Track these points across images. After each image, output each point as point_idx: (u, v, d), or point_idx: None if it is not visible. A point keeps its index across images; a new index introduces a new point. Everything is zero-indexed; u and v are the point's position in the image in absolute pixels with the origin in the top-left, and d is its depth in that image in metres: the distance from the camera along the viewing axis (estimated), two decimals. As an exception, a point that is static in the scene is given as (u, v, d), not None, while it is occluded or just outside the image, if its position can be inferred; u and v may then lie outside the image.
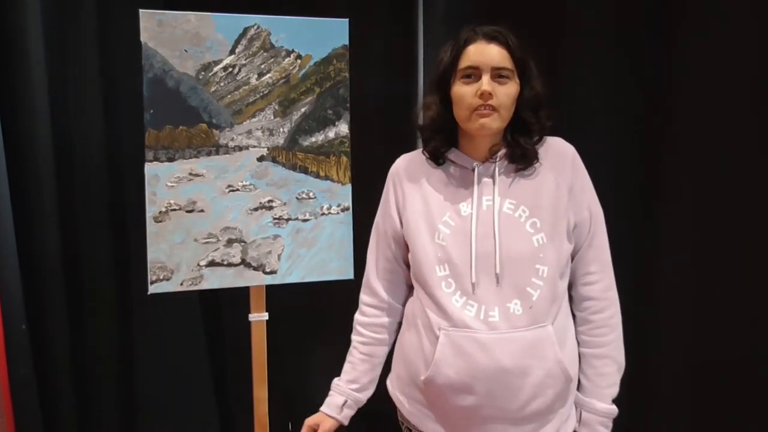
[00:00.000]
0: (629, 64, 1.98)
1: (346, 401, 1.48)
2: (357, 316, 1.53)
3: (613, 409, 1.35)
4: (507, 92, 1.27)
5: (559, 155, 1.35)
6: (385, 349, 1.51)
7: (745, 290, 1.88)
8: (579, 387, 1.38)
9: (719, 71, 1.85)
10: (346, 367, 1.51)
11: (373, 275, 1.49)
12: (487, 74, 1.26)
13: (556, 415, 1.32)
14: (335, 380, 1.52)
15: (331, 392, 1.51)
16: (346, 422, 1.50)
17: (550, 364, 1.27)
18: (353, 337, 1.52)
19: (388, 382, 1.51)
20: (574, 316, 1.39)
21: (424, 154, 1.40)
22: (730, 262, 1.89)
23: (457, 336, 1.28)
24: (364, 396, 1.51)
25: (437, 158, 1.38)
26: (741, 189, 1.86)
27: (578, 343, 1.38)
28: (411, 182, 1.41)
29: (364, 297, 1.52)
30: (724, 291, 1.91)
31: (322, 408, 1.50)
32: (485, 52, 1.26)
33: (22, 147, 2.06)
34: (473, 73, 1.27)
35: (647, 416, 2.07)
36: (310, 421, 1.48)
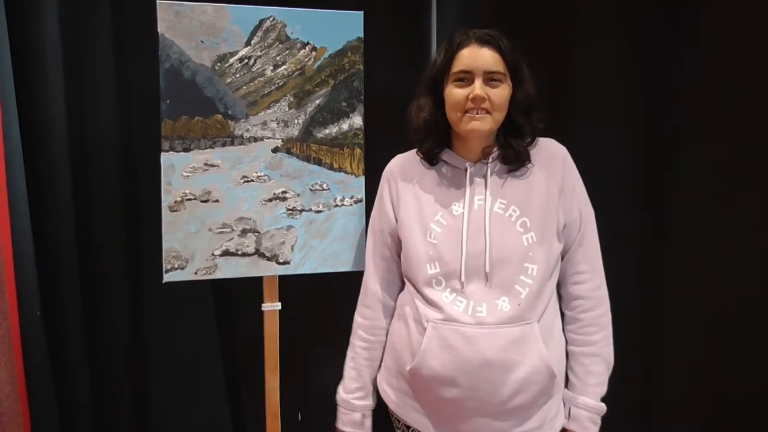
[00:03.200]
0: (638, 62, 1.99)
1: (362, 414, 1.52)
2: (357, 319, 1.54)
3: (602, 406, 1.37)
4: (500, 95, 1.29)
5: (550, 156, 1.37)
6: (383, 350, 1.53)
7: (756, 291, 1.88)
8: (567, 384, 1.40)
9: (726, 72, 1.86)
10: (351, 373, 1.53)
11: (371, 276, 1.52)
12: (479, 78, 1.28)
13: (540, 410, 1.35)
14: (341, 394, 1.53)
15: (342, 409, 1.53)
16: (370, 431, 1.53)
17: (534, 360, 1.29)
18: (355, 341, 1.53)
19: (378, 374, 1.53)
20: (563, 314, 1.41)
21: (418, 155, 1.42)
22: (738, 262, 1.90)
23: (444, 329, 1.31)
24: (373, 400, 1.54)
25: (431, 159, 1.40)
26: (746, 190, 1.86)
27: (567, 341, 1.40)
28: (405, 181, 1.44)
29: (362, 298, 1.54)
30: (733, 292, 1.92)
31: (343, 427, 1.52)
32: (478, 56, 1.28)
33: (38, 137, 2.08)
34: (466, 77, 1.30)
35: (655, 416, 2.07)
36: None
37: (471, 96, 1.27)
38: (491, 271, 1.30)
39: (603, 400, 1.39)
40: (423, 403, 1.39)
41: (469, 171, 1.36)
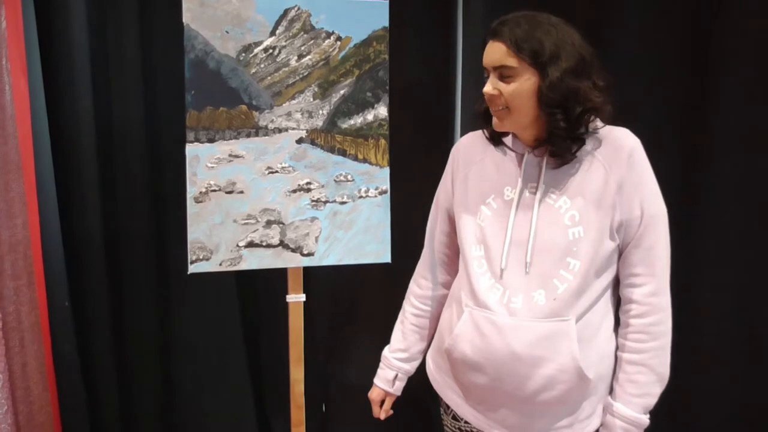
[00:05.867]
0: (675, 52, 1.93)
1: (396, 375, 1.56)
2: (412, 286, 1.57)
3: (641, 419, 1.28)
4: (510, 91, 1.22)
5: (615, 148, 1.27)
6: (435, 322, 1.54)
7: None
8: (611, 390, 1.34)
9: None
10: (397, 335, 1.57)
11: (429, 248, 1.54)
12: (493, 74, 1.24)
13: (570, 409, 1.30)
14: (385, 351, 1.59)
15: (381, 365, 1.59)
16: (399, 393, 1.58)
17: (564, 359, 1.25)
18: (406, 306, 1.58)
19: (428, 351, 1.56)
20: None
21: (484, 134, 1.40)
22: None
23: (478, 316, 1.30)
24: (413, 366, 1.57)
25: (494, 139, 1.37)
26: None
27: (617, 345, 1.33)
28: (467, 161, 1.42)
29: (419, 268, 1.57)
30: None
31: (376, 381, 1.58)
32: (489, 52, 1.24)
33: (65, 127, 2.10)
34: (487, 73, 1.27)
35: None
36: (375, 397, 1.57)
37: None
38: (531, 262, 1.27)
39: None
40: (458, 383, 1.40)
41: (525, 158, 1.32)
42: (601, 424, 1.33)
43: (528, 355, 1.25)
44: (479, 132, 1.43)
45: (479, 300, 1.30)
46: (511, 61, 1.21)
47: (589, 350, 1.27)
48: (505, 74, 1.22)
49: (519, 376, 1.26)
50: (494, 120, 1.27)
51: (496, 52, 1.22)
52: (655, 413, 1.31)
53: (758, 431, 1.90)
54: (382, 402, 1.58)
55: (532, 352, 1.25)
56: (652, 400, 1.29)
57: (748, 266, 1.86)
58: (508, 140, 1.35)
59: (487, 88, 1.23)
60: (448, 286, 1.51)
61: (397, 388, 1.57)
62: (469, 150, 1.43)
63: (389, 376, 1.56)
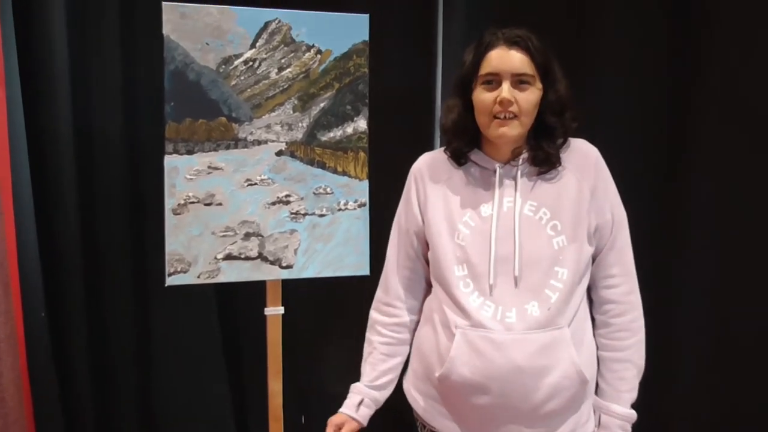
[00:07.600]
0: (652, 60, 1.96)
1: (362, 400, 1.45)
2: (375, 316, 1.49)
3: (632, 414, 1.34)
4: (527, 98, 1.26)
5: (582, 157, 1.34)
6: (406, 349, 1.48)
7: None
8: (597, 390, 1.36)
9: (746, 70, 1.82)
10: (366, 369, 1.47)
11: (393, 273, 1.47)
12: (507, 81, 1.25)
13: (572, 416, 1.32)
14: (355, 383, 1.48)
15: (348, 394, 1.48)
16: (364, 422, 1.46)
17: (566, 365, 1.26)
18: (372, 337, 1.48)
19: (404, 379, 1.50)
20: (593, 318, 1.38)
21: (446, 153, 1.40)
22: (754, 264, 1.87)
23: (472, 335, 1.28)
24: (382, 395, 1.47)
25: (459, 159, 1.38)
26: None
27: (597, 346, 1.37)
28: (433, 181, 1.40)
29: (382, 296, 1.49)
30: (747, 295, 1.89)
31: (341, 409, 1.46)
32: (506, 59, 1.25)
33: (44, 137, 2.09)
34: (494, 80, 1.26)
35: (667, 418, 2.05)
36: (334, 419, 1.45)
37: (498, 99, 1.24)
38: (520, 275, 1.28)
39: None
40: (452, 409, 1.36)
41: (498, 172, 1.32)
42: (599, 425, 1.35)
43: (531, 367, 1.25)
44: (436, 152, 1.44)
45: (473, 319, 1.28)
46: (531, 70, 1.26)
47: (581, 354, 1.29)
48: (523, 81, 1.26)
49: (526, 389, 1.26)
50: (498, 129, 1.26)
51: (518, 60, 1.25)
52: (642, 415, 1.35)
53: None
54: (342, 428, 1.43)
55: (535, 362, 1.25)
56: (636, 393, 1.35)
57: (731, 271, 1.89)
58: (476, 158, 1.36)
59: (507, 94, 1.24)
60: (413, 311, 1.46)
61: (362, 414, 1.44)
62: (432, 170, 1.41)
63: (355, 401, 1.44)
